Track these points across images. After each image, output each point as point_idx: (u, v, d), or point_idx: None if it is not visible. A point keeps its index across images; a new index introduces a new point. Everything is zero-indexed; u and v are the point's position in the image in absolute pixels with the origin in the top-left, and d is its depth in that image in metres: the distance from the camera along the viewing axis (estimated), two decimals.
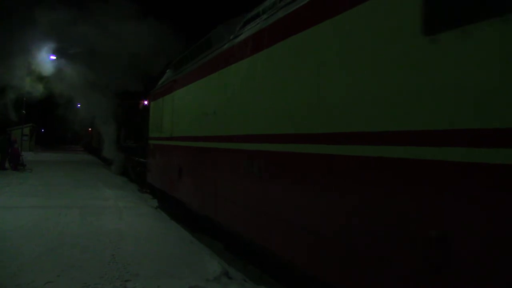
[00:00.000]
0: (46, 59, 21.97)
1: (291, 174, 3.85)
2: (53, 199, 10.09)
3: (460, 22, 2.19)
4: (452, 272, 2.14)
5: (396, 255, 2.50)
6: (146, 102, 16.43)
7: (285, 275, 4.55)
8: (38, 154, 32.52)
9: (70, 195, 10.94)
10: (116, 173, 18.81)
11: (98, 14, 19.08)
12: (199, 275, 4.73)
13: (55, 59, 22.23)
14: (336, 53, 3.26)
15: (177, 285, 4.39)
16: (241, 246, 5.42)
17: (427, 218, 2.30)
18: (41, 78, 22.93)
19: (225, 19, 6.48)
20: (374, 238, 2.69)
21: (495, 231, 2.00)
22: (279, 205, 4.02)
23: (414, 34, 2.47)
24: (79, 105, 28.94)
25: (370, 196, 2.77)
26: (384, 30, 2.75)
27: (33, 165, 19.64)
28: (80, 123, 31.66)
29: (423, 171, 2.36)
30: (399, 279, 2.47)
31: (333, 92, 3.25)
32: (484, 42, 2.07)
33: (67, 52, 20.60)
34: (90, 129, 43.78)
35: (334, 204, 3.18)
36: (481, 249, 2.04)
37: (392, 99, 2.64)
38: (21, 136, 28.01)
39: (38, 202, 9.49)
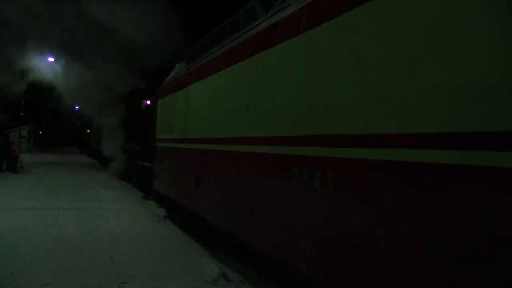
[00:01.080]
0: (44, 58, 21.65)
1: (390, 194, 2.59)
2: (51, 201, 10.07)
3: None
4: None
5: None
6: (148, 102, 16.04)
7: (283, 277, 4.55)
8: (36, 156, 32.44)
9: (68, 197, 10.92)
10: (117, 177, 17.77)
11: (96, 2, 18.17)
12: (197, 277, 4.73)
13: (53, 61, 22.19)
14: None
15: (174, 286, 4.39)
16: (239, 248, 5.40)
17: None
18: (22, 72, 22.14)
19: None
20: None
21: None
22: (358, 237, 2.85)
23: None
24: (77, 107, 28.88)
25: None
26: None
27: (31, 167, 19.59)
28: (79, 124, 31.19)
29: None
30: None
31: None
32: None
33: (64, 47, 19.81)
34: (88, 130, 43.72)
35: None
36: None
37: None
38: (19, 138, 27.94)
39: (36, 203, 9.47)
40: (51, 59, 22.20)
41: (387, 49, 2.69)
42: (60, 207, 9.13)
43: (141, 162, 13.26)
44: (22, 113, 27.94)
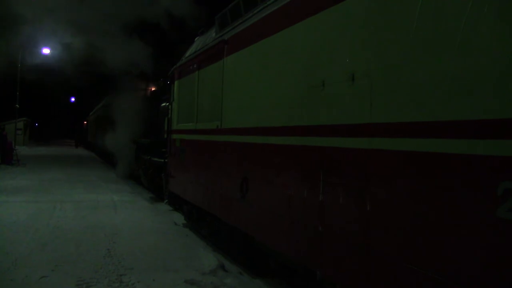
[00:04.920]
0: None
1: None
2: (47, 193, 10.02)
3: None
4: None
5: None
6: (153, 88, 14.90)
7: (280, 268, 4.55)
8: (32, 148, 32.31)
9: (65, 189, 10.88)
10: (121, 174, 15.69)
11: None
12: (195, 268, 4.72)
13: (48, 53, 21.83)
14: None
15: (172, 278, 4.38)
16: (238, 239, 5.38)
17: None
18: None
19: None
20: None
21: None
22: None
23: None
24: (73, 99, 28.64)
25: None
26: None
27: (26, 159, 19.51)
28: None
29: None
30: None
31: None
32: None
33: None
34: (85, 122, 43.44)
35: None
36: None
37: None
38: (14, 131, 27.78)
39: (32, 196, 9.43)
40: (46, 50, 21.85)
41: None
42: (57, 199, 9.09)
43: (149, 157, 11.72)
44: (17, 105, 27.72)
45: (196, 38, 7.55)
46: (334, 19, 3.25)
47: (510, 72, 1.94)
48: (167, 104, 8.88)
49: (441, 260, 2.20)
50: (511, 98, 1.93)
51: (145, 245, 5.62)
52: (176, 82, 7.95)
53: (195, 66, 6.75)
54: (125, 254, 5.14)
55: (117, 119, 16.72)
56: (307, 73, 3.56)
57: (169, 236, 6.25)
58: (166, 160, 8.66)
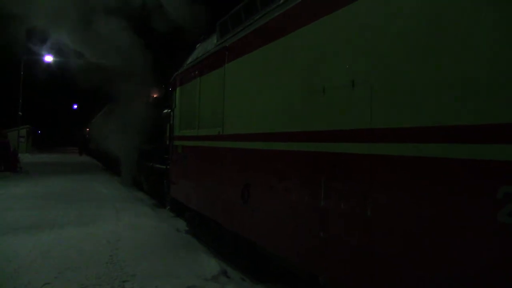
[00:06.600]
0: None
1: None
2: (51, 200, 10.03)
3: None
4: None
5: None
6: (155, 95, 15.05)
7: (282, 273, 4.54)
8: (35, 156, 32.41)
9: (68, 196, 10.89)
10: (124, 182, 15.60)
11: None
12: (197, 275, 4.72)
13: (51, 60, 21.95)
14: None
15: (174, 285, 4.38)
16: (241, 245, 5.37)
17: None
18: None
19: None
20: None
21: None
22: None
23: None
24: (75, 106, 28.76)
25: None
26: None
27: (30, 167, 19.57)
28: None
29: None
30: None
31: None
32: None
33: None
34: (87, 129, 43.57)
35: None
36: None
37: None
38: (17, 138, 27.93)
39: (34, 203, 9.43)
40: (48, 58, 22.01)
41: None
42: (60, 206, 9.10)
43: (151, 164, 11.80)
44: (20, 113, 27.88)
45: (197, 45, 7.56)
46: (335, 26, 3.27)
47: (508, 77, 1.98)
48: (169, 110, 8.89)
49: (444, 263, 2.22)
50: (510, 102, 1.96)
51: (147, 251, 5.62)
52: (177, 89, 7.97)
53: (196, 72, 6.77)
54: (127, 261, 5.15)
55: (119, 126, 16.57)
56: (307, 79, 3.58)
57: (171, 242, 6.25)
58: (168, 167, 8.62)
